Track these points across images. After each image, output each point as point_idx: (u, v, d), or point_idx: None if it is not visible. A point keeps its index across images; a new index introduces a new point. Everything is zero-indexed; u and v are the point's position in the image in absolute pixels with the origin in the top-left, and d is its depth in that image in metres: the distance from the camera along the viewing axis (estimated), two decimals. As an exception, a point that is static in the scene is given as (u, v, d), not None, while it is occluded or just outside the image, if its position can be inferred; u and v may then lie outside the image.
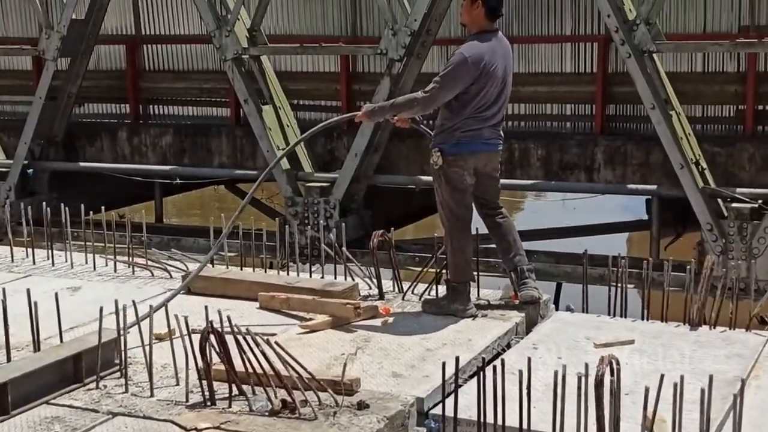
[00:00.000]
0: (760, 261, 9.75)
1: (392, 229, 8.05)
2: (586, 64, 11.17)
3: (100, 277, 8.14)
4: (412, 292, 7.29)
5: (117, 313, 5.70)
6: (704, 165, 10.13)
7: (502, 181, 11.26)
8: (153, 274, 8.08)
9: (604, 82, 10.93)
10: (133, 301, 5.88)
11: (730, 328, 6.45)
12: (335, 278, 7.66)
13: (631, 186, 10.78)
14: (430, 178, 11.47)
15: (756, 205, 9.80)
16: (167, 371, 5.70)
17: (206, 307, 5.69)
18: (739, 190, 9.96)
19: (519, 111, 11.49)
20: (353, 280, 7.44)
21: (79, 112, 13.68)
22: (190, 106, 13.10)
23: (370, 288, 7.38)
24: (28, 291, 6.18)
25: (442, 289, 7.10)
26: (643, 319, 6.93)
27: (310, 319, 6.68)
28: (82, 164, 13.04)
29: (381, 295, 7.21)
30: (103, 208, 8.58)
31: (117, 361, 5.79)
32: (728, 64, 10.66)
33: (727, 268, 8.78)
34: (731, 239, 9.82)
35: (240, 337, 5.16)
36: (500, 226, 6.88)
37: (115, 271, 8.27)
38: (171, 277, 7.99)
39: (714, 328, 6.46)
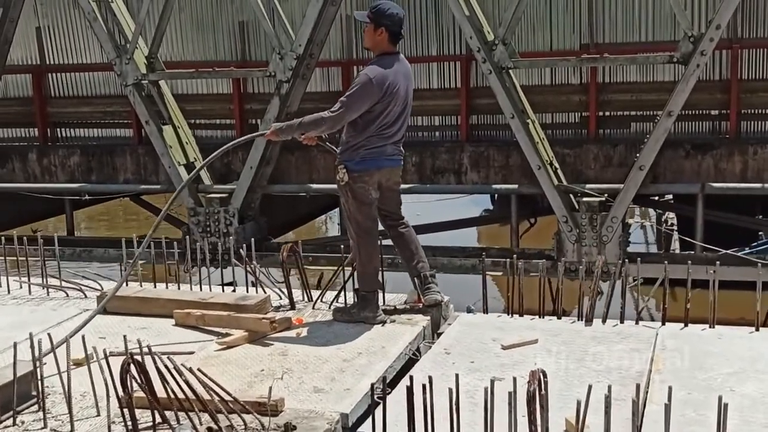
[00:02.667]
0: (609, 247, 9.40)
1: (293, 234, 7.16)
2: (451, 80, 10.52)
3: (14, 301, 7.09)
4: (321, 301, 6.44)
5: (32, 343, 4.66)
6: (557, 165, 9.76)
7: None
8: (68, 295, 7.04)
9: (467, 95, 10.37)
10: (49, 335, 4.91)
11: (620, 321, 5.78)
12: (246, 289, 6.74)
13: (495, 186, 10.20)
14: (320, 185, 10.92)
15: (603, 199, 9.55)
16: (87, 400, 4.87)
17: (125, 337, 4.74)
18: (588, 186, 9.58)
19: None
20: (264, 291, 6.55)
21: (-10, 137, 12.24)
22: (96, 128, 11.94)
23: (281, 298, 6.51)
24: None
25: (350, 297, 6.24)
26: (508, 308, 6.12)
27: (227, 335, 5.76)
28: (-5, 185, 11.71)
29: (292, 306, 6.40)
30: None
31: (34, 393, 4.86)
32: (572, 77, 10.12)
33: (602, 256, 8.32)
34: (584, 229, 9.37)
35: (161, 365, 4.22)
36: (403, 236, 6.15)
37: (30, 293, 7.20)
38: (86, 296, 7.00)
39: (604, 322, 5.78)
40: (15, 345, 4.63)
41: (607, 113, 10.26)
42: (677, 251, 12.31)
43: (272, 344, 5.68)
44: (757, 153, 9.47)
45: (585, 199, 9.50)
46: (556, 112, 10.45)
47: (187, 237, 10.49)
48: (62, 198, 12.00)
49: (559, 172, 9.79)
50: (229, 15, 11.29)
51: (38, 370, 4.68)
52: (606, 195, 9.52)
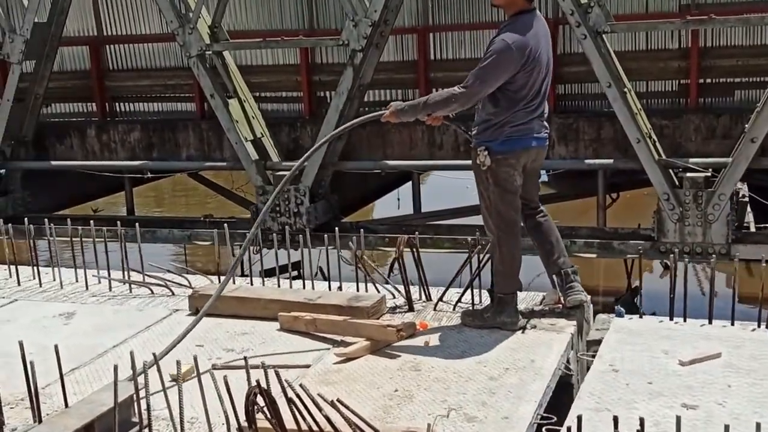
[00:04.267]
0: (715, 226, 8.41)
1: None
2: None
3: (94, 299, 6.12)
4: (442, 301, 5.33)
5: (133, 364, 3.59)
6: (655, 138, 8.52)
7: (449, 162, 9.60)
8: (153, 292, 5.98)
9: (557, 63, 9.07)
10: (154, 355, 3.96)
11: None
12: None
13: (587, 161, 9.03)
14: (395, 161, 9.84)
15: (708, 174, 8.49)
16: (197, 428, 3.94)
17: (245, 360, 3.70)
18: (691, 160, 8.52)
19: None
20: (376, 289, 5.46)
21: (47, 113, 11.52)
22: (156, 102, 11.02)
23: (394, 297, 5.42)
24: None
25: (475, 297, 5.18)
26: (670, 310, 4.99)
27: (343, 343, 4.69)
28: (53, 163, 10.84)
29: (411, 307, 5.33)
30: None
31: (135, 420, 3.86)
32: (670, 42, 8.97)
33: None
34: (687, 207, 8.36)
35: (291, 393, 3.20)
36: (541, 226, 5.11)
37: (110, 289, 6.14)
38: (173, 294, 5.92)
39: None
40: (116, 369, 3.59)
41: (709, 80, 9.13)
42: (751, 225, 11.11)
43: (399, 355, 4.67)
44: None
45: (689, 174, 8.44)
46: (652, 80, 9.47)
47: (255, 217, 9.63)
48: (121, 176, 10.96)
49: (658, 145, 8.71)
50: (295, -20, 10.16)
51: (140, 392, 3.63)
52: (711, 170, 8.48)
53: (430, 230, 9.64)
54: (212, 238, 10.17)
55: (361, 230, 6.69)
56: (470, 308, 5.37)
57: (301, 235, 8.49)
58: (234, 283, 6.14)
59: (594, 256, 8.98)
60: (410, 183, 12.01)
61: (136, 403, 3.98)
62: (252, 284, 6.17)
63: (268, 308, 5.41)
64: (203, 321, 5.20)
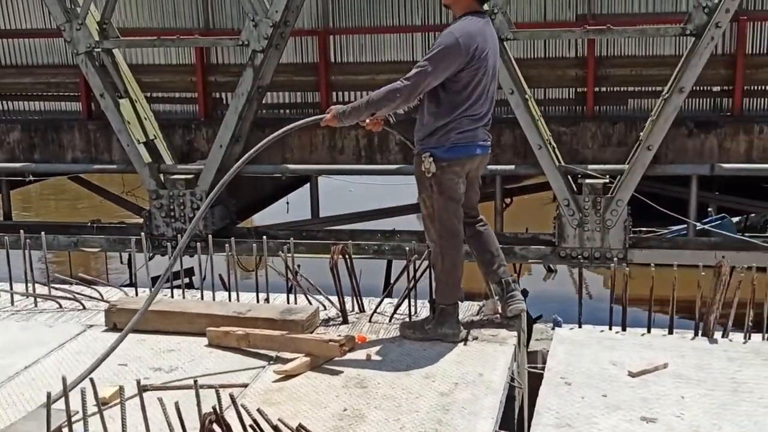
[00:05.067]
0: (613, 232, 8.56)
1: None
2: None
3: (-4, 314, 5.50)
4: (376, 312, 5.14)
5: (65, 389, 3.27)
6: (554, 144, 8.56)
7: (364, 166, 9.43)
8: (61, 306, 5.51)
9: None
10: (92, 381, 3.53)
11: (745, 335, 4.68)
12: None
13: (489, 166, 8.95)
14: (297, 165, 9.57)
15: (607, 180, 8.62)
16: None
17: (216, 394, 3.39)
18: (590, 167, 8.55)
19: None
20: (308, 301, 5.21)
21: None
22: (38, 101, 10.28)
23: (325, 308, 5.18)
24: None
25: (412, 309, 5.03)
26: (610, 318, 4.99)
27: (277, 358, 4.44)
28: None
29: (345, 319, 5.09)
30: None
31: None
32: (568, 51, 9.07)
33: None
34: (586, 213, 8.46)
35: (247, 418, 2.98)
36: (481, 235, 4.97)
37: (12, 303, 5.63)
38: (84, 308, 5.47)
39: (725, 335, 4.67)
40: (49, 396, 3.22)
41: (605, 89, 9.22)
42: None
43: (341, 371, 4.44)
44: (762, 132, 8.73)
45: (588, 180, 8.56)
46: (550, 88, 9.52)
47: (148, 222, 9.21)
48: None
49: (557, 151, 8.74)
50: (189, -22, 9.74)
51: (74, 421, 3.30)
52: (608, 176, 8.60)
53: (335, 236, 9.43)
54: (101, 244, 9.71)
55: (291, 239, 6.36)
56: (408, 320, 5.17)
57: (198, 243, 8.18)
58: (137, 296, 5.76)
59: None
60: (306, 187, 11.77)
61: (66, 432, 3.60)
62: (173, 296, 5.79)
63: (194, 323, 5.07)
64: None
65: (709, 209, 11.83)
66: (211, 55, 9.93)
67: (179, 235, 9.20)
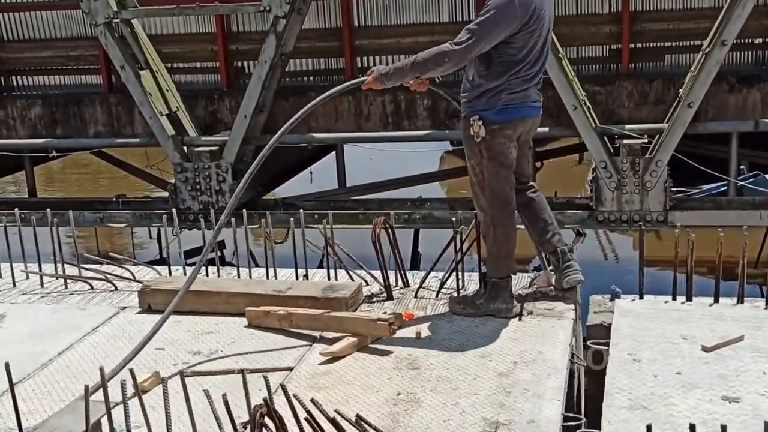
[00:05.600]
0: (652, 194, 8.20)
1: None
2: (464, 12, 8.78)
3: (24, 297, 5.23)
4: (422, 286, 4.83)
5: (103, 379, 2.98)
6: (589, 105, 8.18)
7: (391, 133, 9.09)
8: (92, 287, 5.22)
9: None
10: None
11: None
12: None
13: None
14: (322, 134, 9.24)
15: (645, 141, 8.23)
16: None
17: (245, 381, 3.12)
18: (627, 126, 8.20)
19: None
20: (349, 277, 4.90)
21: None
22: (58, 75, 10.02)
23: (367, 284, 4.87)
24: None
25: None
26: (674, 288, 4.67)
27: (321, 338, 4.15)
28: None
29: (389, 295, 4.77)
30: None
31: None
32: (600, 6, 8.61)
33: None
34: (624, 175, 8.10)
35: (302, 413, 2.70)
36: (533, 203, 4.66)
37: (42, 286, 5.35)
38: (117, 288, 5.18)
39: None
40: (86, 389, 2.94)
41: (640, 45, 8.83)
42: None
43: (390, 352, 4.14)
44: (808, 84, 8.15)
45: (625, 141, 8.18)
46: (583, 45, 9.09)
47: (174, 196, 8.93)
48: (21, 155, 9.95)
49: (592, 112, 8.33)
50: (206, -59, 9.33)
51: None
52: (646, 136, 8.23)
53: (363, 206, 9.15)
54: (127, 219, 9.45)
55: (329, 212, 6.05)
56: (457, 294, 4.86)
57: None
58: (170, 275, 5.48)
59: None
60: (330, 157, 11.46)
61: (107, 426, 3.32)
62: (207, 274, 5.50)
63: (231, 303, 4.80)
64: (156, 319, 4.54)
65: (742, 167, 11.44)
66: (232, 22, 9.57)
67: (209, 208, 8.95)
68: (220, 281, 5.28)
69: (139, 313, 4.98)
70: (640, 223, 8.24)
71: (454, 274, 4.98)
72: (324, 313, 4.47)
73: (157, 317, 4.72)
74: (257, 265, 8.99)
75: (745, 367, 3.93)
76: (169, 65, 9.49)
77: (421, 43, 9.10)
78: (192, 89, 9.63)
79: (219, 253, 12.60)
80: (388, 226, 4.98)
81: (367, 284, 5.16)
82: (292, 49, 8.80)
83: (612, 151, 8.24)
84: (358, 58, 9.31)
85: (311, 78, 9.49)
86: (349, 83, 4.91)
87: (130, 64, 8.92)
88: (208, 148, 9.05)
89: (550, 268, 4.83)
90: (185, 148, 9.11)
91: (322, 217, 8.55)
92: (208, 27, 9.59)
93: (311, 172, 12.46)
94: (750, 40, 8.46)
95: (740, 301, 4.65)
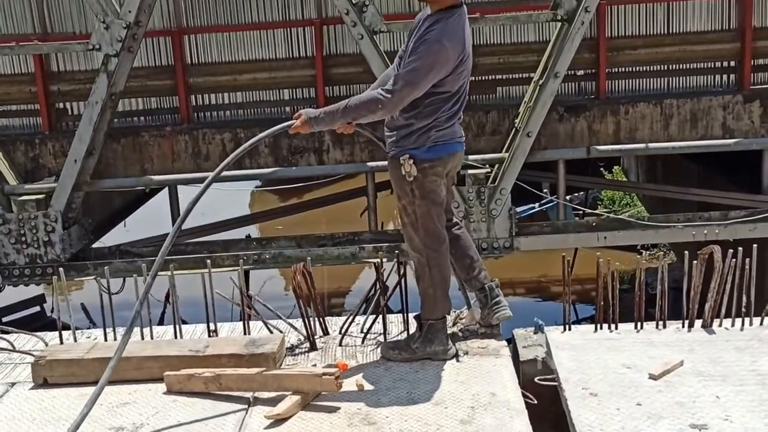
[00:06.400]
0: (498, 221, 8.43)
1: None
2: (302, 48, 8.58)
3: None
4: (341, 333, 4.61)
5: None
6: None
7: (234, 172, 8.77)
8: (-35, 362, 4.59)
9: (322, 64, 8.52)
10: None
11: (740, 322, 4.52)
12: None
13: (371, 164, 8.60)
14: (161, 176, 8.74)
15: (488, 170, 8.47)
16: None
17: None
18: (471, 157, 8.28)
19: (239, 99, 8.66)
20: (269, 330, 4.59)
21: None
22: None
23: (270, 332, 4.59)
24: None
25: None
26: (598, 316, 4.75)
27: (255, 400, 3.86)
28: None
29: (313, 345, 4.47)
30: None
31: None
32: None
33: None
34: (471, 204, 8.28)
35: None
36: (459, 239, 4.59)
37: None
38: (-5, 363, 4.59)
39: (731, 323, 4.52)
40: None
41: (474, 78, 8.93)
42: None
43: (338, 407, 3.90)
44: (628, 112, 8.79)
45: (470, 171, 8.34)
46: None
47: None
48: None
49: (434, 144, 8.37)
50: (21, -23, 8.69)
51: None
52: (487, 165, 8.47)
53: (206, 248, 8.73)
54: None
55: (240, 263, 5.62)
56: (385, 339, 4.64)
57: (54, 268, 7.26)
58: (62, 342, 4.89)
59: (386, 260, 8.58)
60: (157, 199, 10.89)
61: None
62: (105, 339, 4.93)
63: (143, 368, 4.33)
64: (58, 395, 4.05)
65: (545, 190, 11.97)
66: (52, 61, 8.84)
67: (36, 261, 8.19)
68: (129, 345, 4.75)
69: (33, 388, 4.37)
70: (487, 250, 8.39)
71: (374, 318, 4.76)
72: (258, 371, 4.11)
73: (57, 392, 4.20)
74: (90, 321, 8.28)
75: (697, 393, 3.99)
76: (-20, 108, 8.68)
77: (259, 80, 8.89)
78: (9, 134, 8.80)
79: (38, 308, 11.60)
80: (307, 273, 4.70)
81: (283, 333, 4.81)
82: (123, 89, 8.28)
83: (456, 181, 8.36)
84: (193, 96, 8.88)
85: (144, 118, 8.94)
86: (276, 128, 4.60)
87: (-61, 108, 8.06)
88: (33, 197, 8.33)
89: (476, 305, 4.74)
90: (6, 197, 8.33)
91: (169, 262, 8.09)
92: (26, 67, 8.81)
93: (125, 224, 11.73)
94: (574, 72, 8.85)
95: (663, 325, 4.76)
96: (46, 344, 4.87)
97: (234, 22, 8.87)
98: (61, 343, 4.81)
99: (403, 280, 4.74)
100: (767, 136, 8.68)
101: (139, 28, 8.14)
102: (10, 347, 4.87)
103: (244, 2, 8.83)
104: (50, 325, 5.26)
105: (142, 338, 4.87)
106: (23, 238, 8.25)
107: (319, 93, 8.80)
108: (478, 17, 8.13)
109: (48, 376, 4.34)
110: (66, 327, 4.99)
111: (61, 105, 8.95)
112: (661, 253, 14.36)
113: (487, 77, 8.98)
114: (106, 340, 4.93)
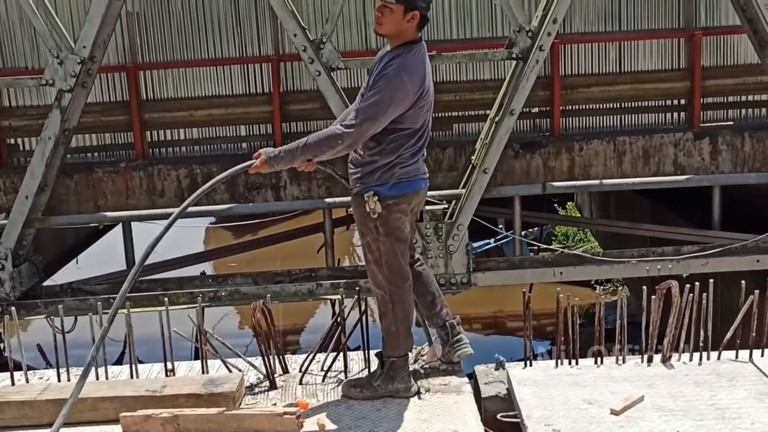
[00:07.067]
0: (456, 257, 8.43)
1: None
2: (258, 84, 8.57)
3: None
4: (301, 371, 4.55)
5: None
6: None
7: (190, 208, 8.66)
8: None
9: (279, 101, 8.53)
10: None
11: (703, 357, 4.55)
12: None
13: (327, 200, 8.57)
14: (115, 213, 8.63)
15: (446, 206, 8.50)
16: None
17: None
18: (428, 193, 8.24)
19: (195, 135, 8.63)
20: (228, 369, 4.51)
21: None
22: None
23: (229, 370, 4.53)
24: None
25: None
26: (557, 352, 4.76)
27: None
28: None
29: (273, 384, 4.41)
30: None
31: None
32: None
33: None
34: (428, 240, 8.26)
35: None
36: (421, 276, 4.59)
37: None
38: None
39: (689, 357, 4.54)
40: None
41: (431, 115, 8.99)
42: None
43: (300, 449, 3.76)
44: (582, 149, 8.89)
45: (428, 207, 8.32)
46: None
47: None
48: None
49: (391, 180, 8.39)
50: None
51: None
52: (444, 201, 8.51)
53: (161, 286, 8.62)
54: None
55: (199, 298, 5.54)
56: (352, 378, 4.58)
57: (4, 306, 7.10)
58: (13, 383, 4.75)
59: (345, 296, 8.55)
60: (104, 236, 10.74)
61: None
62: (59, 380, 4.79)
63: (99, 409, 4.23)
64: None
65: (500, 226, 12.04)
66: (3, 96, 8.71)
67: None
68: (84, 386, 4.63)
69: (-16, 434, 4.25)
70: (445, 286, 8.38)
71: (335, 355, 4.71)
72: (217, 411, 4.03)
73: (6, 435, 4.06)
74: (46, 361, 8.08)
75: (658, 428, 3.98)
76: (-72, 144, 8.51)
77: (215, 116, 8.86)
78: (-45, 170, 8.66)
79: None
80: (266, 310, 4.63)
81: (229, 370, 4.72)
82: (76, 124, 8.18)
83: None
84: (149, 132, 8.81)
85: (98, 153, 8.84)
86: (235, 168, 4.55)
87: None
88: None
89: (437, 341, 4.71)
90: (-47, 235, 8.17)
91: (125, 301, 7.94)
92: (-28, 103, 8.70)
93: (77, 261, 11.53)
94: (529, 109, 8.95)
95: (623, 360, 4.77)
96: (-4, 385, 4.75)
97: (190, 57, 8.85)
98: (13, 384, 4.68)
99: (363, 317, 4.71)
100: (717, 173, 8.86)
101: (94, 63, 8.07)
102: (-41, 388, 4.73)
103: (201, 38, 8.82)
104: (3, 365, 5.15)
105: (97, 378, 4.75)
106: (-29, 277, 8.09)
107: (276, 129, 8.79)
108: (434, 54, 8.17)
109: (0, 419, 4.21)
110: (18, 367, 4.86)
111: (12, 140, 8.81)
112: (616, 287, 14.48)
113: (443, 114, 9.04)
114: (59, 380, 4.82)
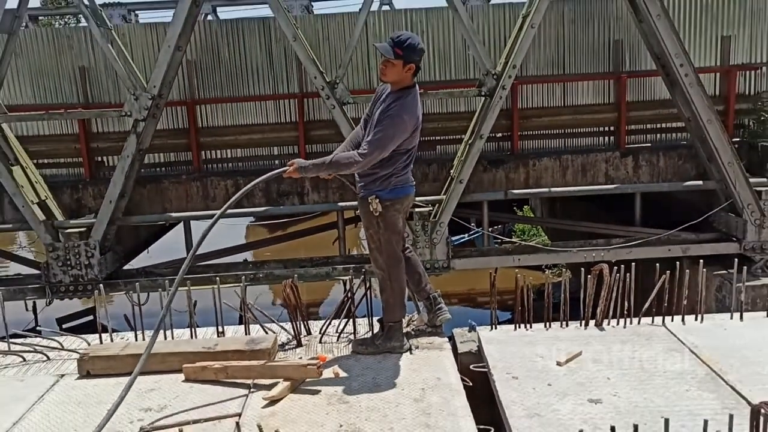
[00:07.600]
0: (438, 247, 8.50)
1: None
2: (287, 115, 8.60)
3: (-45, 372, 4.38)
4: (321, 333, 4.57)
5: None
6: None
7: (235, 210, 8.68)
8: (25, 359, 4.45)
9: (303, 128, 8.53)
10: None
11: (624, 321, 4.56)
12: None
13: (341, 204, 8.60)
14: (177, 213, 8.63)
15: (430, 208, 8.55)
16: None
17: None
18: (417, 198, 8.28)
19: (239, 154, 8.66)
20: (264, 330, 4.54)
21: None
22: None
23: (266, 332, 4.54)
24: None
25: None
26: (515, 318, 4.75)
27: (253, 386, 3.80)
28: None
29: (299, 342, 4.45)
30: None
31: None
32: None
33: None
34: (417, 234, 8.22)
35: None
36: (410, 260, 4.60)
37: (-34, 360, 4.52)
38: (48, 359, 4.45)
39: (616, 322, 4.55)
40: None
41: (419, 139, 9.00)
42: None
43: (319, 390, 3.84)
44: (535, 165, 8.87)
45: (417, 209, 8.43)
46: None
47: (46, 272, 7.96)
48: None
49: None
50: (68, 60, 8.47)
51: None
52: (429, 205, 8.51)
53: (213, 269, 8.64)
54: (2, 295, 8.24)
55: (243, 277, 5.55)
56: (354, 337, 4.63)
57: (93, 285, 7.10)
58: (101, 342, 4.79)
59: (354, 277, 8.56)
60: (170, 232, 10.76)
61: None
62: (136, 340, 4.83)
63: (167, 362, 4.25)
64: (99, 384, 3.96)
65: (472, 223, 12.05)
66: (92, 125, 8.74)
67: (78, 280, 8.03)
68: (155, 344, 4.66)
69: (78, 378, 4.27)
70: (430, 269, 8.39)
71: (346, 321, 4.75)
72: (258, 363, 4.08)
73: (98, 381, 4.12)
74: (131, 328, 8.17)
75: (593, 375, 4.01)
76: (36, 161, 8.52)
77: (254, 140, 8.88)
78: (57, 181, 8.67)
79: (91, 317, 11.23)
80: (294, 286, 4.68)
81: (275, 334, 4.77)
82: (148, 146, 8.22)
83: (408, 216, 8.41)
84: (203, 152, 8.85)
85: (164, 168, 8.88)
86: (274, 172, 4.59)
87: (2, 161, 7.91)
88: (77, 230, 8.18)
89: (424, 310, 4.76)
90: (55, 230, 8.17)
91: (185, 281, 7.97)
92: (71, 128, 8.72)
93: (148, 251, 11.53)
94: (494, 134, 8.99)
95: (566, 325, 4.81)
96: (89, 344, 4.79)
97: (235, 94, 8.89)
98: (101, 343, 4.72)
99: (368, 293, 4.75)
100: (638, 183, 8.89)
101: (161, 99, 8.11)
102: (59, 346, 4.77)
103: (243, 80, 8.85)
104: (94, 329, 5.21)
105: (165, 338, 4.80)
106: (68, 262, 8.10)
107: (301, 150, 8.84)
108: (422, 92, 8.19)
109: (90, 369, 4.25)
110: (105, 330, 4.90)
111: (99, 158, 8.85)
112: (560, 270, 14.51)
113: (429, 138, 9.07)
114: (136, 339, 4.85)
